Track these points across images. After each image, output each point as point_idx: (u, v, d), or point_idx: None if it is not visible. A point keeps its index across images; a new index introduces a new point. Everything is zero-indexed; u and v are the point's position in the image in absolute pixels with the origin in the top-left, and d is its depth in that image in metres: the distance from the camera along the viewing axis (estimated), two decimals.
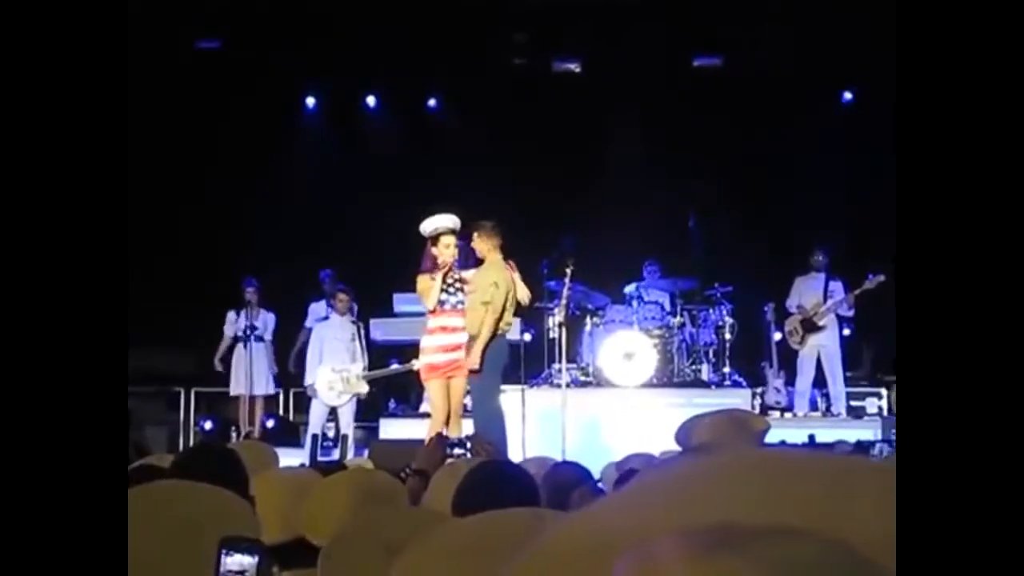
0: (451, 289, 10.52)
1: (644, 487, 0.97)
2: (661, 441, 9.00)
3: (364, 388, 13.35)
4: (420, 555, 1.63)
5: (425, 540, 1.66)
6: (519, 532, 1.58)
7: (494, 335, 10.30)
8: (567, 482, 4.09)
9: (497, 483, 3.24)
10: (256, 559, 2.04)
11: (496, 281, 10.36)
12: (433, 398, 10.67)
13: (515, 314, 10.86)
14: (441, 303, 10.50)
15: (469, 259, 10.64)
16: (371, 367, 13.39)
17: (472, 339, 10.33)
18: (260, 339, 14.13)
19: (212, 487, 2.35)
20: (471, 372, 10.35)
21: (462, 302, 10.52)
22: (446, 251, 10.48)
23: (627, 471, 4.95)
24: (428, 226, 10.57)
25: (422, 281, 10.55)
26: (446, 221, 10.56)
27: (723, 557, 0.79)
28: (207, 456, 3.59)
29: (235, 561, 2.03)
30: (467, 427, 10.55)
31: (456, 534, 1.67)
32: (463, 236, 10.59)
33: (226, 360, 14.38)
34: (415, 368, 11.76)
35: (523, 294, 10.72)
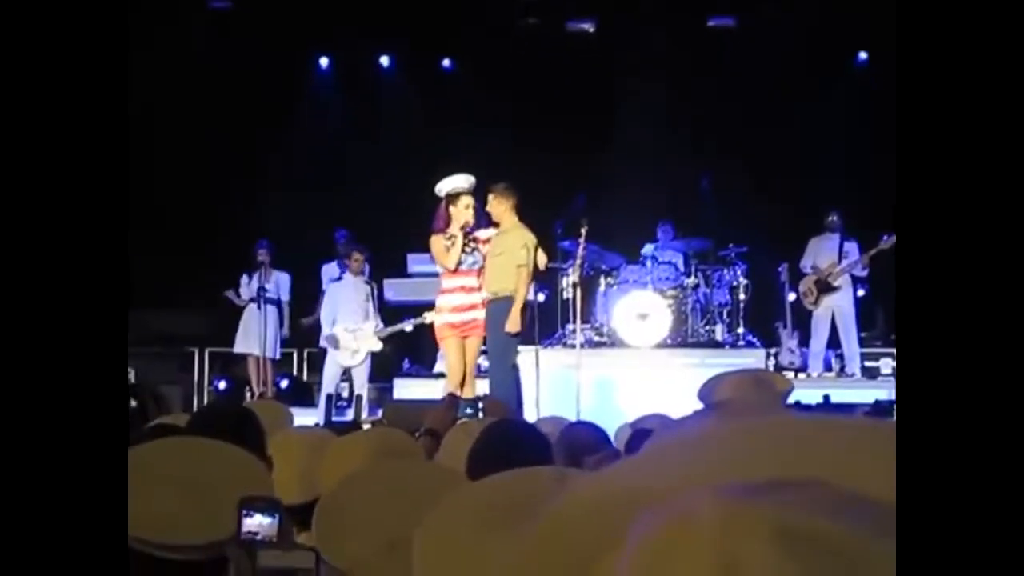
0: (466, 249, 10.51)
1: (666, 448, 0.98)
2: (675, 401, 9.03)
3: (377, 345, 13.40)
4: (443, 516, 1.63)
5: (447, 501, 1.66)
6: (542, 491, 1.59)
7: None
8: (582, 442, 4.10)
9: (511, 443, 3.24)
10: (276, 519, 2.05)
11: (526, 243, 10.38)
12: (448, 358, 10.67)
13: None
14: (459, 263, 10.50)
15: (482, 220, 10.62)
16: (384, 326, 13.44)
17: (496, 300, 10.32)
18: (270, 301, 14.14)
19: (229, 445, 2.36)
20: (510, 334, 10.33)
21: (477, 262, 10.52)
22: (466, 211, 10.47)
23: (638, 431, 4.95)
24: (445, 186, 10.56)
25: (437, 241, 10.54)
26: (463, 181, 10.55)
27: (757, 502, 0.79)
28: (224, 415, 3.60)
29: (255, 522, 2.04)
30: (482, 387, 10.57)
31: (478, 494, 1.67)
32: (476, 197, 10.58)
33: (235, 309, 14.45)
34: (427, 322, 11.85)
35: (541, 259, 10.70)
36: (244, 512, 2.04)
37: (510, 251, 10.35)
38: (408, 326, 13.22)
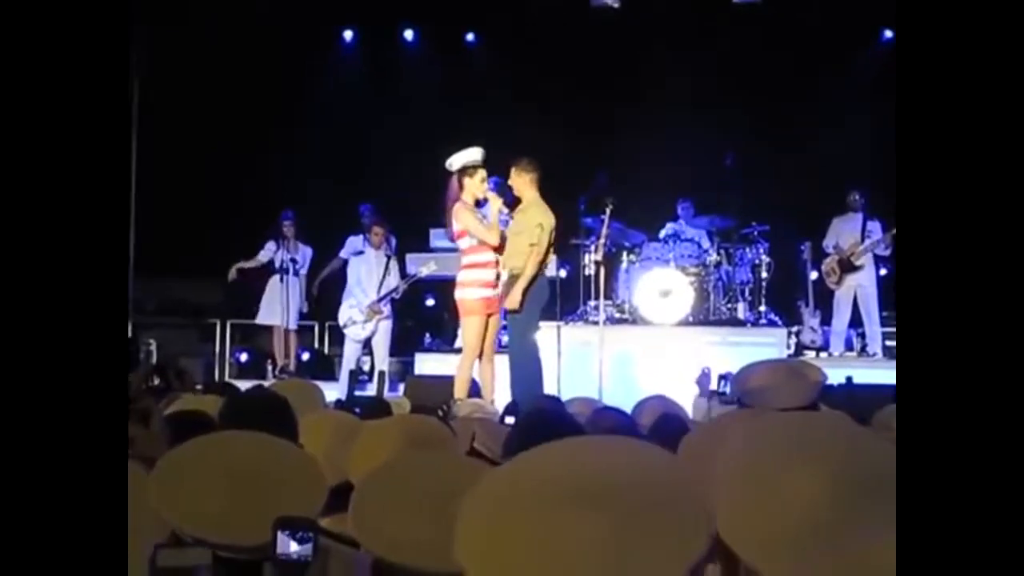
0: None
1: None
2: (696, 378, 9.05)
3: (385, 310, 13.47)
4: (489, 491, 1.64)
5: (491, 476, 1.67)
6: (593, 465, 1.60)
7: (536, 275, 10.22)
8: (610, 430, 4.12)
9: (547, 433, 3.25)
10: (310, 543, 2.07)
11: (541, 223, 10.19)
12: (468, 334, 10.36)
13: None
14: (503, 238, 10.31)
15: (507, 194, 10.50)
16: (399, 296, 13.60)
17: (512, 278, 10.25)
18: (298, 273, 14.22)
19: (273, 439, 2.38)
20: (512, 311, 10.25)
21: None
22: (482, 185, 10.28)
23: (665, 416, 4.98)
24: (458, 160, 10.30)
25: (470, 216, 10.25)
26: (477, 155, 10.34)
27: None
28: (257, 404, 3.61)
29: (290, 544, 2.06)
30: (501, 363, 10.51)
31: (524, 469, 1.68)
32: (499, 173, 10.49)
33: (248, 277, 14.46)
34: (423, 275, 12.02)
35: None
36: (279, 533, 2.06)
37: (526, 230, 10.23)
38: (404, 284, 13.42)
